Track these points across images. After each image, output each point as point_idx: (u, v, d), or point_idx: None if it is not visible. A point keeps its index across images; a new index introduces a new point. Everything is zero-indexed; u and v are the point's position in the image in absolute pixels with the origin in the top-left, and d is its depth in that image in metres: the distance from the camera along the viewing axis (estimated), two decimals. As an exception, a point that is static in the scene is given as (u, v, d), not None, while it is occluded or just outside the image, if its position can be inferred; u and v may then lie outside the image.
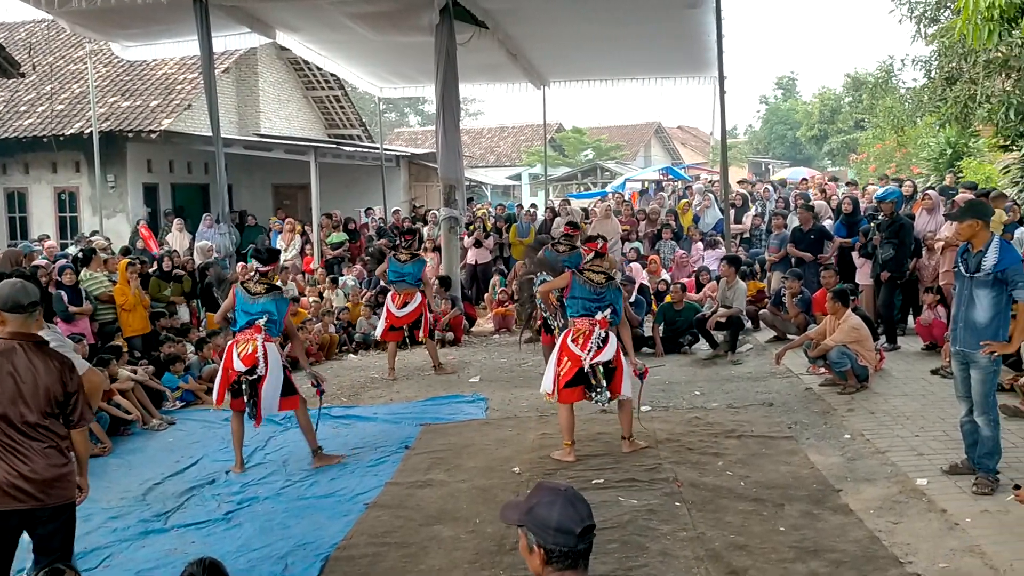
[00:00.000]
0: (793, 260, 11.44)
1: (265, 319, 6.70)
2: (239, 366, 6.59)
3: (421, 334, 9.82)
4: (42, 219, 18.10)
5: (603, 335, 6.49)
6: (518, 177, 35.63)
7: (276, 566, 4.98)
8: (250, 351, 6.58)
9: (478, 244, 15.11)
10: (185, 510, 6.03)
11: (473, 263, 15.10)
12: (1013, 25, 8.24)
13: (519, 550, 2.44)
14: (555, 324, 7.73)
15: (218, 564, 3.49)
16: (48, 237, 15.53)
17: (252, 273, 7.09)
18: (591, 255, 6.87)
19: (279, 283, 7.00)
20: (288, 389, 6.77)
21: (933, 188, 13.52)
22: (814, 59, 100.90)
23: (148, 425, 8.21)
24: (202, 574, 3.40)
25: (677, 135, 51.26)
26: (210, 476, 6.73)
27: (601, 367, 6.45)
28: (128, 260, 10.52)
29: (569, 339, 6.55)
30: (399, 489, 6.17)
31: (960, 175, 15.98)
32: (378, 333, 10.24)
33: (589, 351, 6.42)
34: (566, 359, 6.51)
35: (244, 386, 6.61)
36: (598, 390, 6.49)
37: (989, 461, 5.45)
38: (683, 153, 48.44)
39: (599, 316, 6.52)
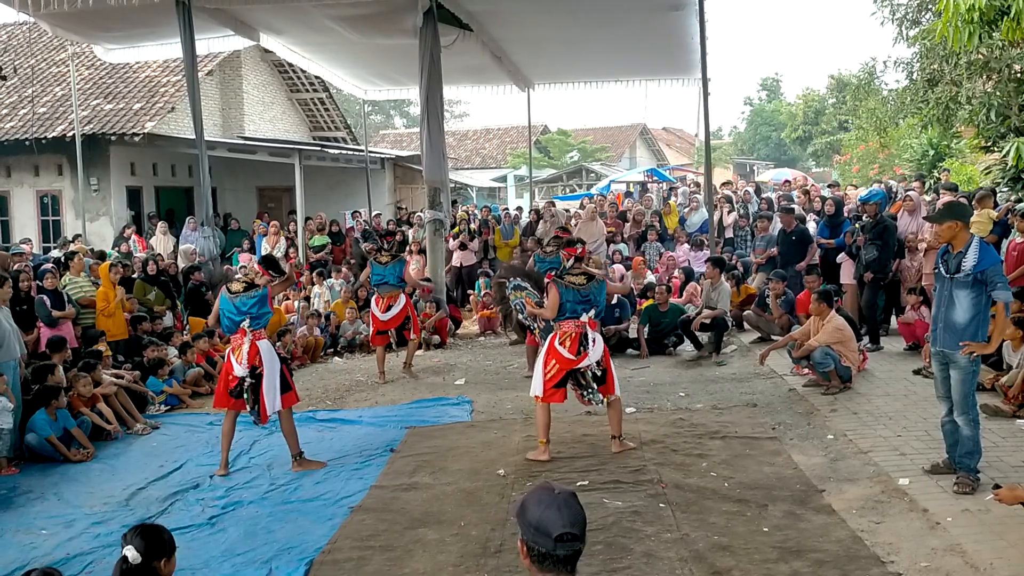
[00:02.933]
0: (778, 261, 11.51)
1: (248, 320, 6.68)
2: (240, 371, 6.62)
3: (412, 333, 9.83)
4: (24, 223, 17.95)
5: (592, 336, 6.52)
6: (503, 179, 35.63)
7: (260, 570, 4.96)
8: (246, 353, 6.60)
9: (463, 247, 15.11)
10: (169, 515, 5.98)
11: (458, 265, 15.11)
12: (993, 27, 8.29)
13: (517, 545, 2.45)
14: (535, 325, 7.72)
15: (155, 528, 3.28)
16: (30, 241, 15.43)
17: (238, 274, 7.05)
18: (570, 260, 6.88)
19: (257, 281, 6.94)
20: (285, 386, 6.78)
21: (913, 190, 13.61)
22: (798, 61, 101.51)
23: (132, 430, 8.16)
24: (133, 539, 3.17)
25: (662, 136, 51.36)
26: (194, 480, 6.69)
27: (592, 370, 6.49)
28: (110, 262, 10.46)
29: (556, 342, 6.57)
30: (384, 492, 6.16)
31: (947, 174, 16.11)
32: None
33: (579, 353, 6.46)
34: (553, 361, 6.54)
35: (247, 391, 6.64)
36: (589, 390, 6.54)
37: (969, 461, 5.49)
38: (668, 154, 48.54)
39: (584, 317, 6.54)
